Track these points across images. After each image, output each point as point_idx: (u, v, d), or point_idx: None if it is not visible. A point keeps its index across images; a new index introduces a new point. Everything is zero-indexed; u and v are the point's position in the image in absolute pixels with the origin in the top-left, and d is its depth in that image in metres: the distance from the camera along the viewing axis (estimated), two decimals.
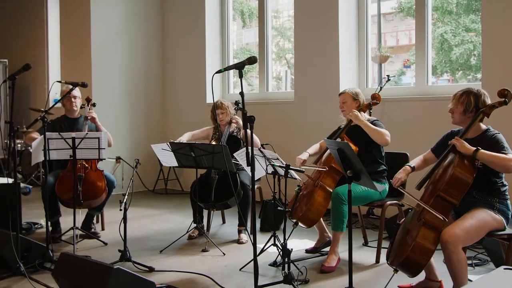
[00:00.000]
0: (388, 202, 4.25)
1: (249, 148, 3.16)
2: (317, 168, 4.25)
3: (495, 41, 4.93)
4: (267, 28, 7.19)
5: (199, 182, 4.92)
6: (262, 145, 5.39)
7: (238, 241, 4.89)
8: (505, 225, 3.28)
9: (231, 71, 7.50)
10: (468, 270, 3.19)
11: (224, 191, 4.79)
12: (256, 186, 5.08)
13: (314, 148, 4.61)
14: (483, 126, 3.39)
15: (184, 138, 5.15)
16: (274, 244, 4.17)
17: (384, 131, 4.18)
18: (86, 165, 4.88)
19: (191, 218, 5.08)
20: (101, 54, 7.60)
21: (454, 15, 5.93)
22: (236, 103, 5.06)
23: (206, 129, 5.37)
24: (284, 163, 3.83)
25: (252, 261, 3.16)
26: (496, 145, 3.24)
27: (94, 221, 5.25)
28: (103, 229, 5.35)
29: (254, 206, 3.32)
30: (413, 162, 3.67)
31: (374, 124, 4.23)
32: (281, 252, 3.87)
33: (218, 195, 4.81)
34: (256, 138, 4.96)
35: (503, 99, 3.29)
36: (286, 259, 3.71)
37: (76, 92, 5.13)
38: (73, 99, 5.13)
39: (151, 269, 4.04)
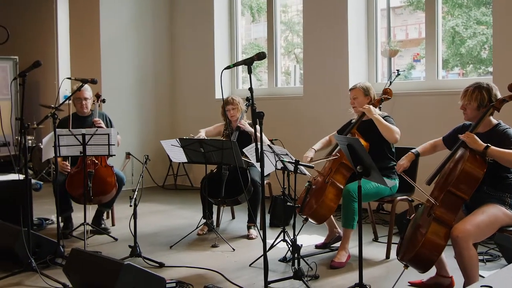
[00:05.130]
0: (398, 198, 4.23)
1: (258, 143, 3.16)
2: (329, 159, 4.22)
3: (506, 34, 4.88)
4: (275, 23, 7.17)
5: (210, 178, 4.92)
6: (271, 141, 5.39)
7: (248, 237, 4.89)
8: None
9: (240, 67, 7.48)
10: (480, 266, 3.17)
11: (234, 187, 4.79)
12: (265, 182, 5.09)
13: (321, 142, 4.60)
14: (493, 120, 3.36)
15: (202, 133, 5.15)
16: (284, 240, 4.16)
17: (395, 129, 4.15)
18: (96, 161, 4.90)
19: (200, 213, 5.08)
20: (110, 51, 7.62)
21: (465, 7, 5.87)
22: (248, 99, 5.01)
23: (218, 126, 5.36)
24: (294, 158, 3.83)
25: (262, 257, 3.16)
26: (506, 140, 3.21)
27: (104, 217, 5.28)
28: (113, 224, 5.38)
29: (263, 202, 3.33)
30: (419, 148, 3.73)
31: (385, 120, 4.21)
32: (290, 248, 3.87)
33: (228, 191, 4.81)
34: (264, 138, 4.95)
35: None
36: (296, 255, 3.70)
37: (87, 93, 5.09)
38: (83, 101, 5.09)
39: (161, 265, 4.05)
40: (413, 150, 3.73)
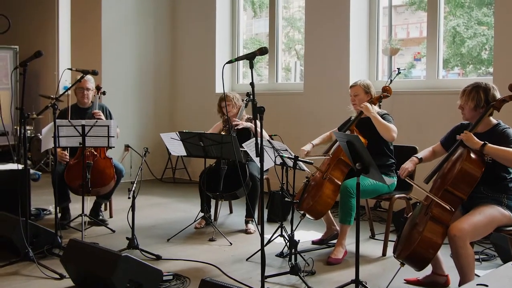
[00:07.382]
0: (396, 196, 4.24)
1: (258, 138, 3.16)
2: (320, 157, 4.23)
3: (507, 34, 4.88)
4: (277, 19, 7.16)
5: (209, 172, 4.93)
6: (270, 136, 5.39)
7: (246, 231, 4.91)
8: None
9: (241, 61, 7.48)
10: (475, 265, 3.18)
11: (233, 182, 4.79)
12: (264, 177, 5.09)
13: (321, 137, 4.62)
14: (493, 120, 3.37)
15: None
16: (281, 235, 4.18)
17: (392, 127, 4.15)
18: (95, 153, 4.90)
19: (198, 207, 5.09)
20: (111, 42, 7.61)
21: (467, 8, 5.88)
22: (248, 94, 5.00)
23: (217, 126, 5.32)
24: (293, 154, 3.83)
25: (259, 252, 3.17)
26: (505, 140, 3.22)
27: (102, 208, 5.29)
28: (111, 216, 5.38)
29: (262, 197, 3.34)
30: (421, 154, 3.66)
31: (384, 118, 4.22)
32: (288, 243, 3.89)
33: (226, 185, 4.82)
34: (264, 133, 4.95)
35: None
36: (293, 250, 3.71)
37: (90, 84, 5.10)
38: (85, 91, 5.09)
39: (158, 257, 4.06)
40: (416, 155, 3.65)
